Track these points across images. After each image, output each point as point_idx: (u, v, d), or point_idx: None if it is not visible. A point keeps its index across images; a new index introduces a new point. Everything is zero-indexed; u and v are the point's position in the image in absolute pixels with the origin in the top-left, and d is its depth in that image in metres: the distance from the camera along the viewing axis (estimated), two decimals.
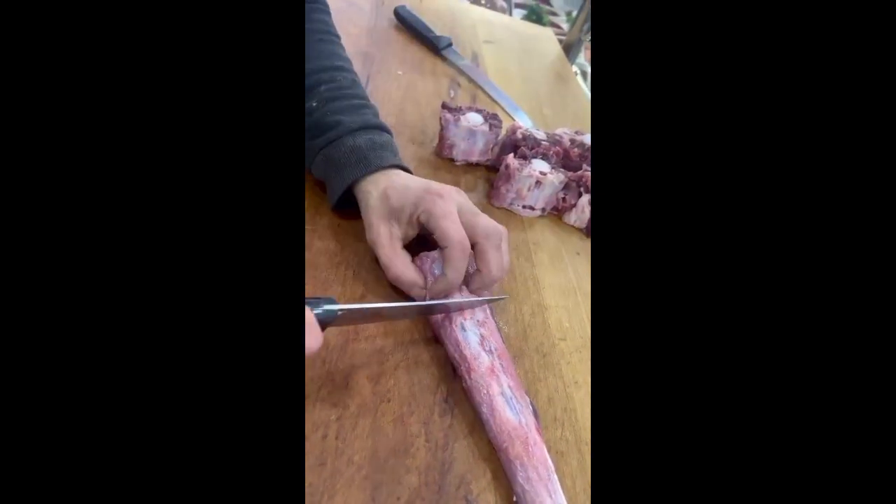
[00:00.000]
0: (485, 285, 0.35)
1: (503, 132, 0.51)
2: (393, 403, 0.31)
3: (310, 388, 0.30)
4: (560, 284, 0.44)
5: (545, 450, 0.30)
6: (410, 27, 0.72)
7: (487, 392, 0.31)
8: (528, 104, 0.68)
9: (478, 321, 0.34)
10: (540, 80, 0.78)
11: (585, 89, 0.88)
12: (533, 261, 0.45)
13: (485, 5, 1.27)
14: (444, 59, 0.70)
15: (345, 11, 0.70)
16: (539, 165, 0.47)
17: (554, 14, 1.52)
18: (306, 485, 0.27)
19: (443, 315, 0.34)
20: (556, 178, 0.47)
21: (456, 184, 0.44)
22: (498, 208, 0.49)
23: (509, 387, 0.32)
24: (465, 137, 0.49)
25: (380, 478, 0.28)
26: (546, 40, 0.91)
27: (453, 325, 0.34)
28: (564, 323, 0.41)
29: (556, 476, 0.30)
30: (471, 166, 0.52)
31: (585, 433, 0.34)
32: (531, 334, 0.39)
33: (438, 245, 0.35)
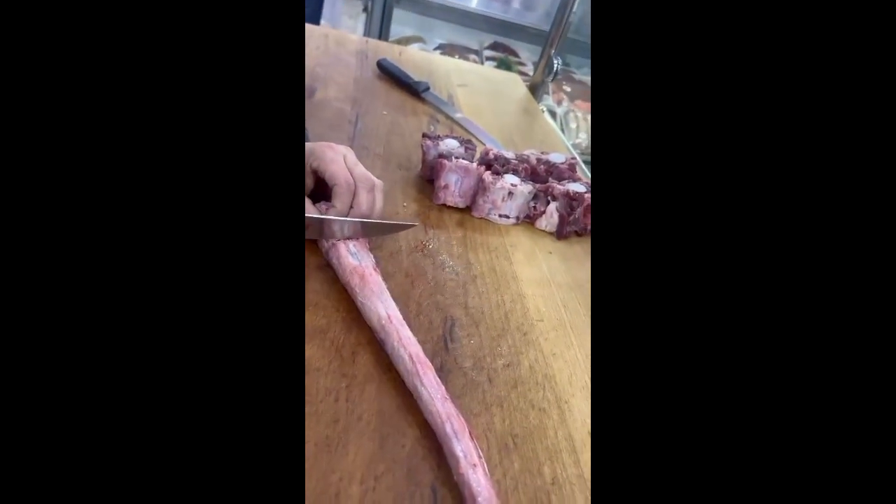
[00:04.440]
0: (359, 216, 0.45)
1: (477, 155, 0.58)
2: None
3: (321, 362, 0.35)
4: (536, 278, 0.50)
5: (381, 281, 0.39)
6: (392, 76, 0.81)
7: (335, 247, 0.41)
8: (499, 135, 0.76)
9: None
10: (509, 116, 0.87)
11: (553, 124, 0.98)
12: (511, 259, 0.51)
13: (457, 59, 1.39)
14: (423, 101, 0.79)
15: (333, 65, 0.80)
16: (510, 179, 0.54)
17: (521, 64, 1.67)
18: (323, 438, 0.31)
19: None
20: (525, 188, 0.54)
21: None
22: (478, 218, 0.55)
23: (354, 246, 0.42)
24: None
25: (387, 430, 0.32)
26: (514, 83, 1.02)
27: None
28: (541, 308, 0.46)
29: (388, 293, 0.39)
30: None
31: (564, 393, 0.39)
32: (512, 317, 0.44)
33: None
